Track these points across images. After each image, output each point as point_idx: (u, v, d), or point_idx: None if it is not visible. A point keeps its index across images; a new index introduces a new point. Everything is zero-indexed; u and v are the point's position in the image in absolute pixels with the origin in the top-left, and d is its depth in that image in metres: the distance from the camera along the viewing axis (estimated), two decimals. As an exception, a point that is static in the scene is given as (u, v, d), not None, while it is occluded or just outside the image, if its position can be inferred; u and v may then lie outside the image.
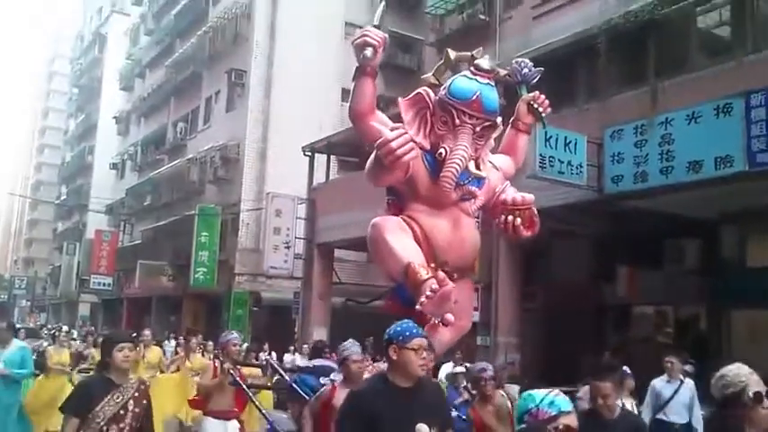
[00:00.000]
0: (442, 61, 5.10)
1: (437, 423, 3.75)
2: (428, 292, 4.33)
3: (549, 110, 5.48)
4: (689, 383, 9.07)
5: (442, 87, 4.87)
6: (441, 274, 4.52)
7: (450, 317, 4.75)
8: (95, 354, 12.22)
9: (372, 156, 4.69)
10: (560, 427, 2.93)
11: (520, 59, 5.45)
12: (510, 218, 4.91)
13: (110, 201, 43.38)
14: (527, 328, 15.18)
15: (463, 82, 4.78)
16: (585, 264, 16.31)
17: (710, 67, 12.34)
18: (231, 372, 7.01)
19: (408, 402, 3.79)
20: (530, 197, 4.98)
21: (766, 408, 3.92)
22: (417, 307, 4.38)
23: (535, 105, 5.45)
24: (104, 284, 39.28)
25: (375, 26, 4.85)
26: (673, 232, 14.29)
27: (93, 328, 39.39)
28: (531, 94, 5.47)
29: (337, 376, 5.80)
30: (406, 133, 4.59)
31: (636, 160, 11.87)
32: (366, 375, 5.20)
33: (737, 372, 4.17)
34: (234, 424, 7.66)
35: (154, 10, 40.97)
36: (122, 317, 38.39)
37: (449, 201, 4.87)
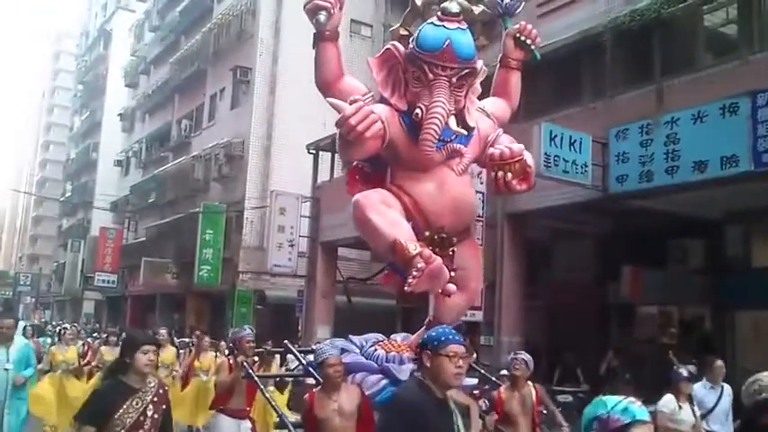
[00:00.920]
0: (408, 9, 4.76)
1: None
2: (414, 272, 4.11)
3: (538, 40, 5.08)
4: (728, 389, 8.04)
5: (411, 39, 4.55)
6: (426, 251, 4.25)
7: (451, 287, 4.55)
8: (105, 352, 12.01)
9: (337, 133, 4.38)
10: None
11: None
12: (500, 174, 4.55)
13: (114, 198, 43.43)
14: (531, 328, 15.15)
15: (430, 31, 4.42)
16: (590, 263, 16.28)
17: (716, 67, 12.29)
18: (245, 363, 6.81)
19: (445, 416, 3.49)
20: (518, 147, 4.60)
21: None
22: (406, 288, 4.17)
23: (522, 38, 5.07)
24: (109, 282, 39.33)
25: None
26: (677, 232, 14.25)
27: (98, 324, 39.60)
28: (517, 26, 5.08)
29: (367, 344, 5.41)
30: (364, 106, 4.26)
31: (641, 160, 11.82)
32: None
33: None
34: (246, 424, 7.60)
35: (159, 6, 40.96)
36: (126, 314, 38.44)
37: (434, 162, 4.58)
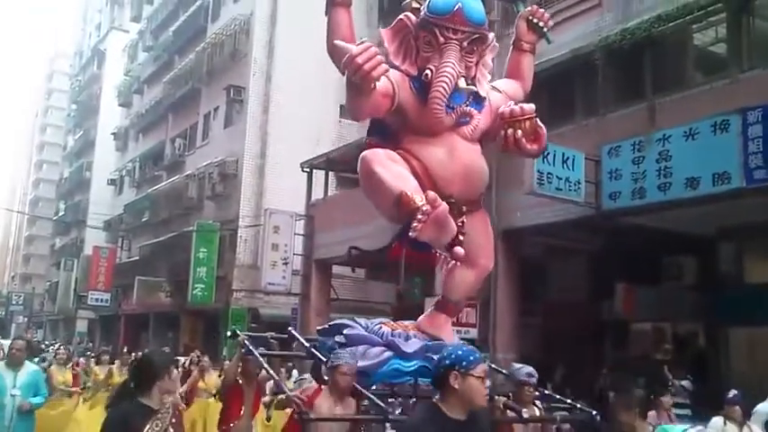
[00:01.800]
0: None
1: None
2: (419, 216, 3.97)
3: (551, 23, 5.09)
4: None
5: (423, 7, 4.56)
6: (431, 193, 4.14)
7: (459, 250, 4.44)
8: (98, 371, 11.89)
9: (345, 82, 4.27)
10: None
11: None
12: (510, 131, 4.44)
13: (108, 217, 43.35)
14: (525, 345, 15.14)
15: None
16: (583, 280, 16.30)
17: (707, 84, 12.39)
18: (246, 341, 6.15)
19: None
20: (530, 107, 4.52)
21: None
22: (411, 234, 4.03)
23: (535, 20, 5.07)
24: (102, 301, 39.17)
25: None
26: (670, 249, 14.30)
27: (90, 344, 39.38)
28: (529, 9, 5.09)
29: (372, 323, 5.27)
30: (371, 47, 4.17)
31: (633, 177, 11.88)
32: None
33: None
34: None
35: (152, 26, 41.09)
36: (120, 333, 38.24)
37: (443, 127, 4.52)
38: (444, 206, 4.10)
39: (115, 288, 38.74)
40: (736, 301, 13.11)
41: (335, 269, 22.16)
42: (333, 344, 5.20)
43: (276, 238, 22.14)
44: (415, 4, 4.75)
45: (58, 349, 13.72)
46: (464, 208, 4.56)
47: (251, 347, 5.95)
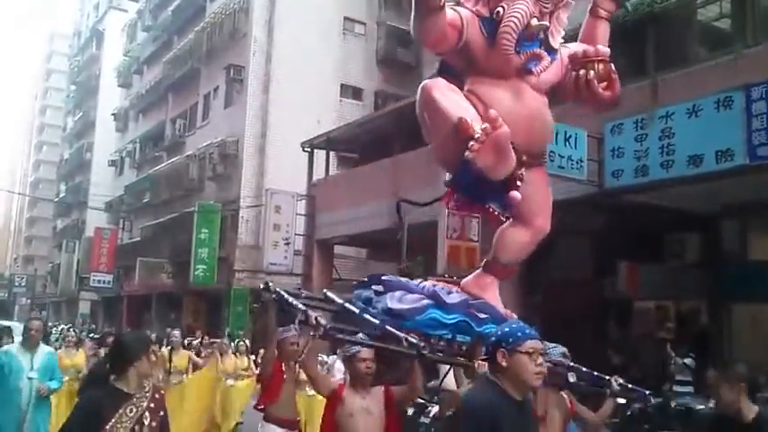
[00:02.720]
0: None
1: None
2: (477, 134, 3.80)
3: None
4: None
5: None
6: (493, 112, 4.00)
7: (516, 194, 4.24)
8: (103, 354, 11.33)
9: (414, 4, 4.12)
10: None
11: None
12: (582, 72, 4.32)
13: (109, 198, 43.34)
14: (527, 324, 15.13)
15: None
16: (586, 259, 16.27)
17: (711, 61, 12.30)
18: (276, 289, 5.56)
19: (525, 420, 3.18)
20: (605, 49, 4.40)
21: None
22: (467, 154, 3.87)
23: None
24: (104, 282, 39.24)
25: None
26: (673, 226, 14.26)
27: (93, 325, 39.49)
28: None
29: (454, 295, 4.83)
30: None
31: (636, 154, 11.82)
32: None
33: None
34: None
35: (151, 6, 40.87)
36: (122, 314, 38.38)
37: (511, 68, 4.35)
38: (506, 129, 3.93)
39: (117, 269, 38.82)
40: (739, 279, 13.09)
41: (337, 249, 22.16)
42: (369, 294, 4.86)
43: (278, 219, 22.11)
44: None
45: (67, 331, 13.26)
46: (524, 157, 4.29)
47: (286, 295, 5.43)
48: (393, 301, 4.60)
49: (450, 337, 4.59)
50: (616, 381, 5.10)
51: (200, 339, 16.72)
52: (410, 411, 8.92)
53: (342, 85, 28.83)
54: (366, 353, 4.59)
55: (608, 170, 12.32)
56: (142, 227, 36.73)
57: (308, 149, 22.32)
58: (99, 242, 39.62)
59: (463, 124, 3.91)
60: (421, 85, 4.37)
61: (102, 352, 11.38)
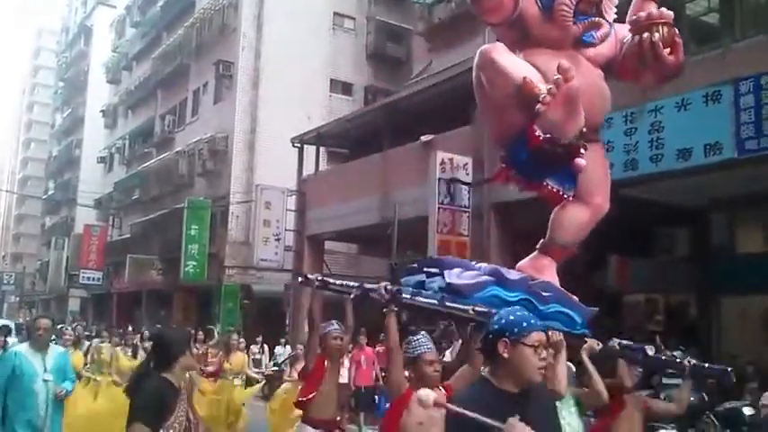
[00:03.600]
0: None
1: None
2: (550, 86, 3.73)
3: None
4: None
5: None
6: (564, 62, 3.94)
7: (581, 161, 4.13)
8: (103, 349, 10.54)
9: None
10: None
11: None
12: (646, 34, 4.25)
13: (98, 195, 43.15)
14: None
15: None
16: (576, 252, 16.29)
17: (699, 55, 12.31)
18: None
19: (519, 412, 2.70)
20: (669, 12, 4.33)
21: None
22: (538, 107, 3.80)
23: None
24: (94, 279, 39.10)
25: None
26: (663, 220, 14.32)
27: (84, 323, 39.28)
28: None
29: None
30: None
31: (626, 148, 11.86)
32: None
33: None
34: None
35: (139, 2, 40.69)
36: (113, 312, 38.23)
37: (567, 41, 4.36)
38: (576, 82, 3.85)
39: (107, 266, 38.67)
40: (727, 272, 13.17)
41: (328, 245, 22.15)
42: (420, 277, 4.64)
43: (268, 214, 22.08)
44: None
45: (64, 330, 12.74)
46: (584, 129, 4.16)
47: (326, 279, 5.28)
48: (452, 276, 4.41)
49: None
50: (689, 362, 5.01)
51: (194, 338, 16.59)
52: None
53: (331, 81, 28.81)
54: (432, 354, 4.28)
55: (597, 164, 12.33)
56: (132, 223, 36.59)
57: (298, 145, 22.29)
58: (88, 239, 39.46)
59: (528, 84, 3.87)
60: (479, 49, 4.33)
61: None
